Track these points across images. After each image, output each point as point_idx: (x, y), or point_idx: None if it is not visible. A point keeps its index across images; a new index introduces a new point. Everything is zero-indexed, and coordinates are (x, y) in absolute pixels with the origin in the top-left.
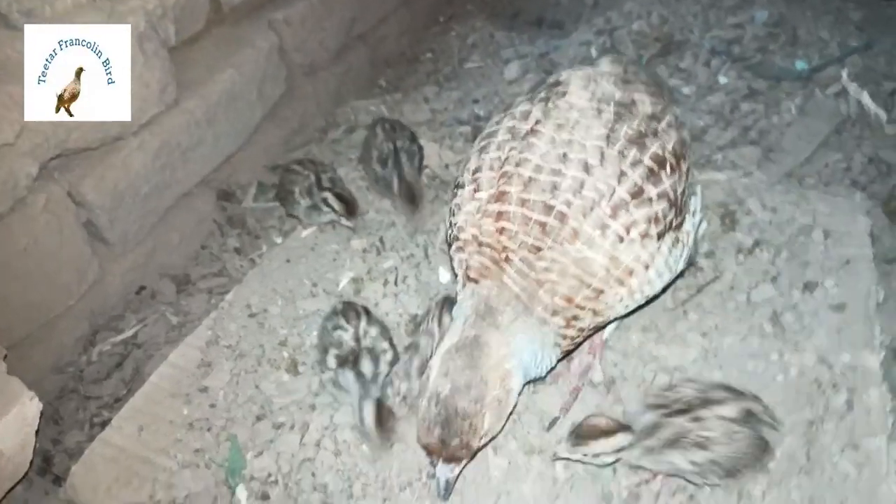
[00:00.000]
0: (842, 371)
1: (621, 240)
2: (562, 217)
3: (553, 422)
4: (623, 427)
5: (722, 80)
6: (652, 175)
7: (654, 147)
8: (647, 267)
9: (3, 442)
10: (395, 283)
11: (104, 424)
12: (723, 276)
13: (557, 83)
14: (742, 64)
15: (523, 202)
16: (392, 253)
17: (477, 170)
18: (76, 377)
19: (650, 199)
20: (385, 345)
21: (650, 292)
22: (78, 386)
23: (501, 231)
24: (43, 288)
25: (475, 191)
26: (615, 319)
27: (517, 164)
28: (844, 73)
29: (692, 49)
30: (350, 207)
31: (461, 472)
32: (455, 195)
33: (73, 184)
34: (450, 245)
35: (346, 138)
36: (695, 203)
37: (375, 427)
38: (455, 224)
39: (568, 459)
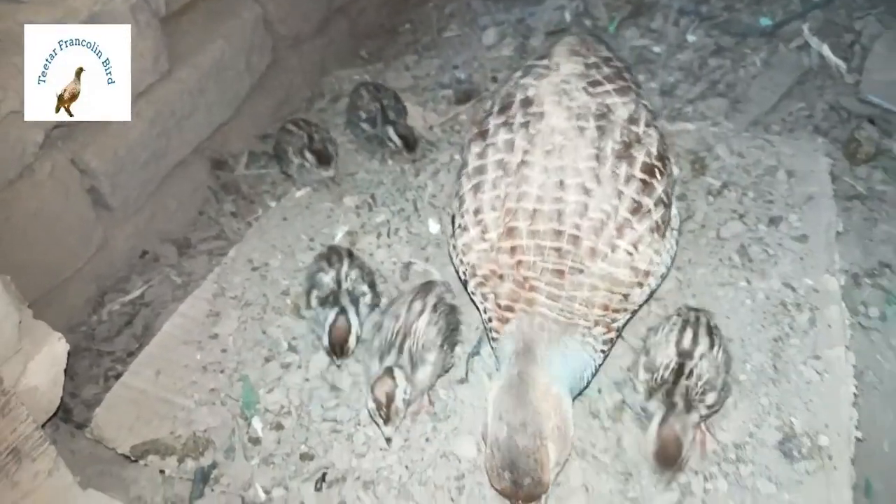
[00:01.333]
0: (805, 293)
1: (631, 254)
2: (574, 240)
3: None
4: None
5: (691, 38)
6: (645, 187)
7: (641, 156)
8: (657, 264)
9: (37, 377)
10: (388, 235)
11: (118, 377)
12: (694, 215)
13: (529, 101)
14: (709, 22)
15: (533, 234)
16: (383, 208)
17: (478, 211)
18: (88, 336)
19: (649, 211)
20: (364, 287)
21: (663, 276)
22: (90, 344)
23: (519, 264)
24: (52, 251)
25: (483, 232)
26: None
27: (518, 200)
28: (806, 28)
29: (662, 10)
30: (323, 158)
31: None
32: (456, 235)
33: (76, 151)
34: (465, 285)
35: (331, 107)
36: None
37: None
38: (468, 263)
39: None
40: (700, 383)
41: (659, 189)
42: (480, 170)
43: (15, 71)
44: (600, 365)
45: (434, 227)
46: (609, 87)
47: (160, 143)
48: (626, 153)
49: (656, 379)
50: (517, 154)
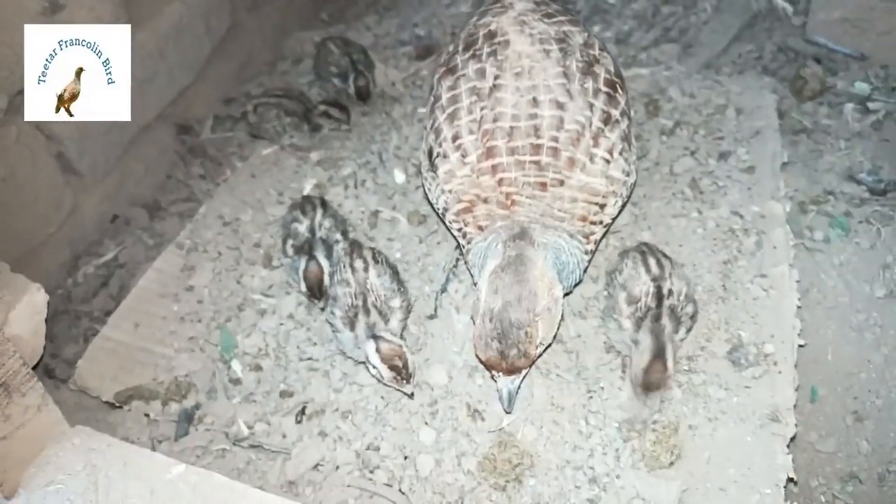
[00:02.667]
0: (752, 219)
1: (608, 161)
2: (554, 152)
3: None
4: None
5: None
6: (611, 99)
7: (602, 73)
8: (628, 174)
9: (20, 326)
10: (356, 186)
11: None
12: (649, 154)
13: (492, 34)
14: None
15: (513, 150)
16: (350, 161)
17: (456, 136)
18: (65, 298)
19: (617, 121)
20: (338, 235)
21: (631, 186)
22: (68, 306)
23: (501, 182)
24: (23, 217)
25: (463, 157)
26: None
27: (494, 120)
28: None
29: None
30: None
31: (521, 383)
32: (436, 165)
33: None
34: (444, 214)
35: (294, 69)
36: None
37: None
38: (450, 191)
39: None
40: (681, 297)
41: (622, 102)
42: (454, 99)
43: None
44: (584, 270)
45: (399, 177)
46: (561, 18)
47: None
48: (590, 70)
49: (640, 308)
50: (489, 79)
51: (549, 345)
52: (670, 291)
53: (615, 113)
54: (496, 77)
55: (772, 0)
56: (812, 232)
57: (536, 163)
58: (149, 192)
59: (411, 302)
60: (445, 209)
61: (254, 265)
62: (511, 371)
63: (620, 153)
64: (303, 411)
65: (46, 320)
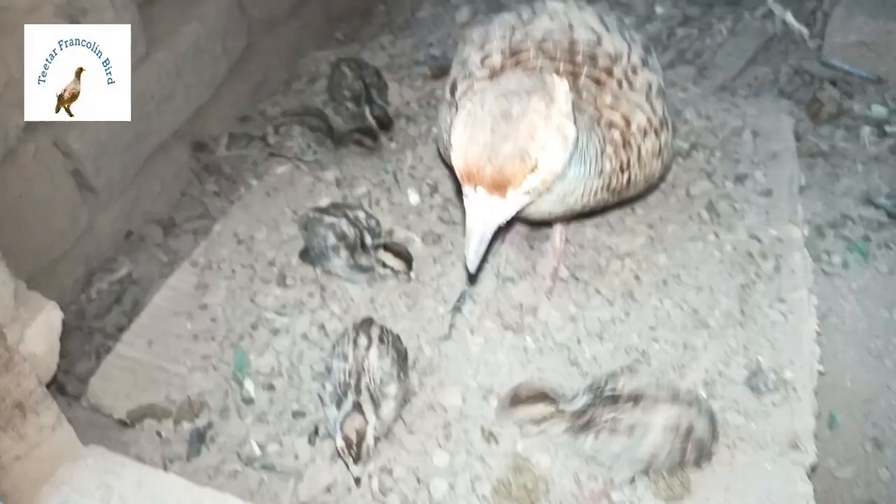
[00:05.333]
0: (769, 243)
1: (649, 92)
2: (591, 58)
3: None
4: (547, 399)
5: (659, 9)
6: (648, 53)
7: (639, 35)
8: (666, 129)
9: (35, 344)
10: (370, 206)
11: (110, 352)
12: (665, 176)
13: (534, 3)
14: None
15: (544, 50)
16: (364, 181)
17: (485, 57)
18: (78, 314)
19: (656, 70)
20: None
21: (664, 162)
22: (81, 322)
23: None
24: (40, 234)
25: (489, 70)
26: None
27: (525, 39)
28: None
29: None
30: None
31: (497, 228)
32: (455, 88)
33: (59, 135)
34: (453, 92)
35: (309, 88)
36: None
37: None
38: (469, 72)
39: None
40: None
41: (658, 68)
42: (485, 33)
43: None
44: (594, 172)
45: (414, 197)
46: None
47: (141, 126)
48: (628, 29)
49: None
50: (522, 18)
51: (544, 189)
52: None
53: (654, 63)
54: (529, 17)
55: (787, 23)
56: (830, 256)
57: (571, 59)
58: (163, 209)
59: (409, 390)
60: (453, 90)
61: (268, 283)
62: (496, 183)
63: (659, 97)
64: (315, 432)
65: (60, 337)
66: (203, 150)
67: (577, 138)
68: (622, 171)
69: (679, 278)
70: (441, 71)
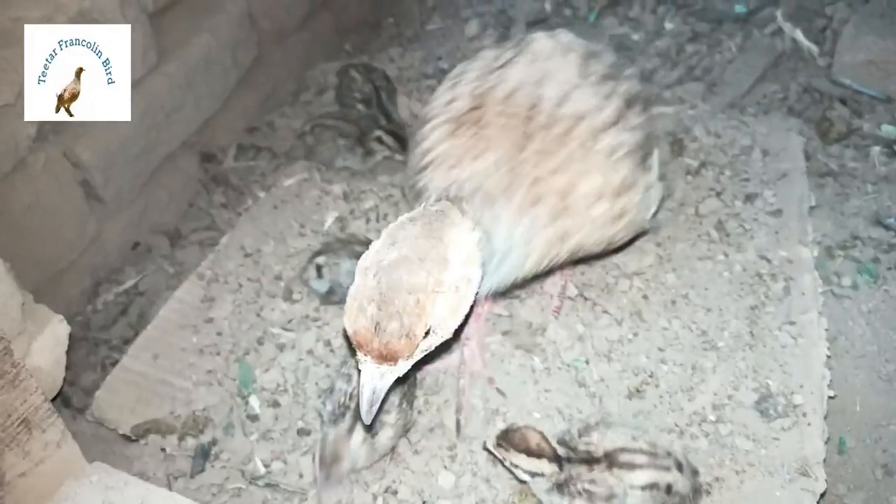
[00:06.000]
0: (779, 264)
1: (611, 157)
2: (550, 119)
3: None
4: (551, 455)
5: (668, 25)
6: (628, 108)
7: (625, 85)
8: (636, 193)
9: (41, 357)
10: (377, 220)
11: (115, 364)
12: (673, 194)
13: (523, 40)
14: (686, 10)
15: (503, 109)
16: (371, 194)
17: (452, 100)
18: (84, 325)
19: (633, 129)
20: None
21: (632, 222)
22: (87, 333)
23: (479, 117)
24: (47, 243)
25: (450, 113)
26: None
27: (493, 87)
28: (779, 14)
29: None
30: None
31: (392, 383)
32: (422, 132)
33: (68, 145)
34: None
35: (317, 99)
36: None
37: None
38: (425, 150)
39: (491, 454)
40: None
41: (640, 119)
42: (461, 73)
43: (7, 65)
44: (529, 280)
45: None
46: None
47: (150, 137)
48: (611, 78)
49: None
50: (501, 60)
51: (441, 343)
52: None
53: (633, 120)
54: (509, 59)
55: (797, 40)
56: (840, 278)
57: (527, 122)
58: (171, 219)
59: (409, 423)
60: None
61: (274, 298)
62: (383, 356)
63: (629, 156)
64: None
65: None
66: (211, 160)
67: (494, 251)
68: (561, 240)
69: (688, 298)
70: None
